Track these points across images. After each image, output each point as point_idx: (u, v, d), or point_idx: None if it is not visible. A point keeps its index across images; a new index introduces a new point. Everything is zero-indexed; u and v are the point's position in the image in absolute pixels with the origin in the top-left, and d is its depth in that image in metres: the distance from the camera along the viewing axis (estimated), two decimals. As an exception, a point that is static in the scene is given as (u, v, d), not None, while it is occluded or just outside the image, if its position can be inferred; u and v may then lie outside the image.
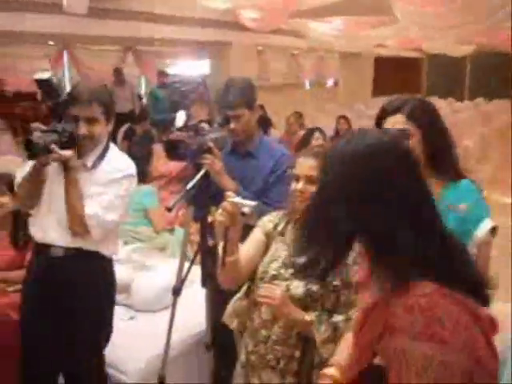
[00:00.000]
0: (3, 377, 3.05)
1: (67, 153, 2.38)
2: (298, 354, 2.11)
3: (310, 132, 5.64)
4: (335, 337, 2.02)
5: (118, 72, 9.37)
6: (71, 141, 2.41)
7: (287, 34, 11.16)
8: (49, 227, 2.55)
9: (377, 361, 1.30)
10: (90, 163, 2.56)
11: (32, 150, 2.29)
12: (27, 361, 2.70)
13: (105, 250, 2.63)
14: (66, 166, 2.44)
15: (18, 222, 3.31)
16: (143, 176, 4.47)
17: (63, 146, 2.37)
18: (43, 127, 2.41)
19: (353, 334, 1.44)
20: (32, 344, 2.66)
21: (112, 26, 8.29)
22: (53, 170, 2.51)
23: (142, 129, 8.11)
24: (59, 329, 2.59)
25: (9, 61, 8.76)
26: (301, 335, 2.10)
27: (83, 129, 2.49)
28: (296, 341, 2.11)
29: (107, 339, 2.76)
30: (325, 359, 1.99)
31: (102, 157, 2.59)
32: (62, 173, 2.48)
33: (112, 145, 2.69)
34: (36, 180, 2.51)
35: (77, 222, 2.48)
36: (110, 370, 2.88)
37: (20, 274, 3.11)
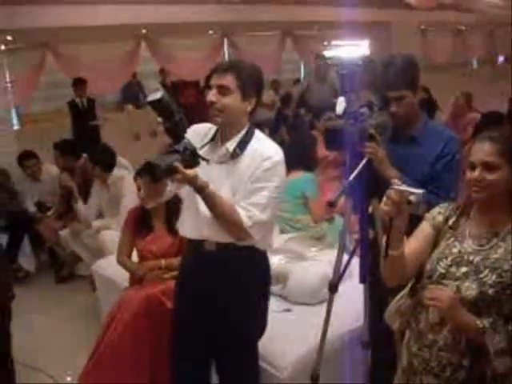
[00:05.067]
0: (156, 364, 3.11)
1: (191, 172, 2.24)
2: (466, 362, 1.90)
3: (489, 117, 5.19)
4: None
5: (318, 67, 8.89)
6: (194, 159, 2.28)
7: (452, 10, 10.53)
8: (200, 225, 2.49)
9: None
10: (231, 149, 2.43)
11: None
12: (179, 350, 2.71)
13: (260, 245, 2.53)
14: (194, 187, 2.31)
15: (171, 208, 3.36)
16: (306, 163, 4.38)
17: (186, 165, 2.23)
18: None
19: None
20: (185, 333, 2.67)
21: (270, 11, 8.30)
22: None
23: (291, 113, 8.08)
24: (213, 320, 2.56)
25: (171, 51, 9.09)
26: (471, 342, 1.88)
27: (211, 95, 2.38)
28: (465, 348, 1.90)
29: (262, 332, 2.69)
30: (499, 373, 1.78)
31: (244, 143, 2.44)
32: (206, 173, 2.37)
33: (257, 131, 2.52)
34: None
35: (237, 230, 2.39)
36: (261, 363, 2.82)
37: (175, 261, 3.16)
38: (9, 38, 7.08)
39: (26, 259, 5.75)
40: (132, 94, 11.20)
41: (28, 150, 5.93)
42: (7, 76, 6.50)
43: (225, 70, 2.38)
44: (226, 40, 9.80)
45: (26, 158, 5.83)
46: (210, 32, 9.80)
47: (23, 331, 3.40)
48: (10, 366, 3.22)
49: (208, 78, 8.84)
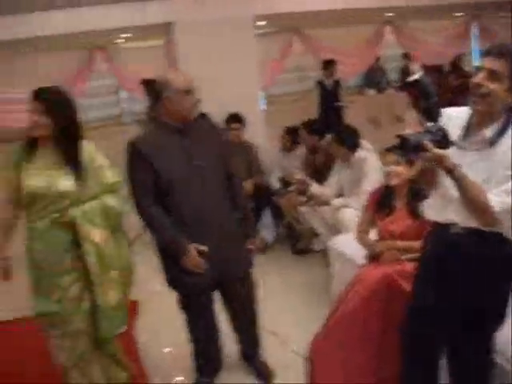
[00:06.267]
0: (386, 343, 3.14)
1: (440, 151, 2.23)
2: None
3: None
4: None
5: None
6: (444, 141, 2.27)
7: None
8: (447, 209, 2.48)
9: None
10: (488, 136, 2.35)
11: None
12: (414, 333, 2.75)
13: (508, 233, 2.43)
14: (442, 167, 2.28)
15: (414, 190, 3.36)
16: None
17: (436, 145, 2.23)
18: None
19: None
20: (422, 317, 2.68)
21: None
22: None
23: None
24: (453, 306, 2.54)
25: (416, 35, 8.90)
26: None
27: (480, 78, 2.30)
28: None
29: (500, 322, 2.58)
30: None
31: (503, 131, 2.33)
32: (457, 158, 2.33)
33: None
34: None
35: (486, 215, 2.33)
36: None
37: (415, 244, 3.16)
38: (261, 23, 7.53)
39: (267, 230, 6.16)
40: (374, 78, 11.24)
41: (292, 126, 6.37)
42: (258, 59, 6.91)
43: (500, 55, 2.29)
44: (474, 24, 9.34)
45: (290, 133, 6.36)
46: (457, 14, 9.39)
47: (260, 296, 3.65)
48: None
49: (454, 63, 8.56)
